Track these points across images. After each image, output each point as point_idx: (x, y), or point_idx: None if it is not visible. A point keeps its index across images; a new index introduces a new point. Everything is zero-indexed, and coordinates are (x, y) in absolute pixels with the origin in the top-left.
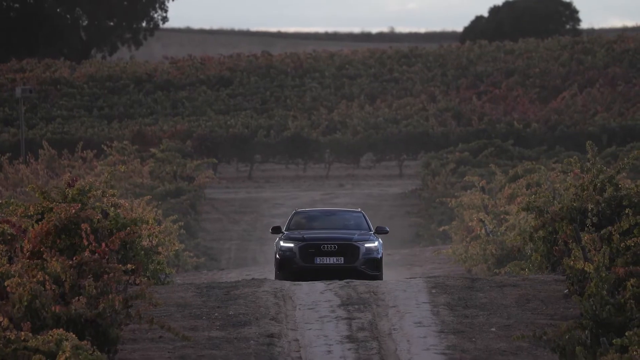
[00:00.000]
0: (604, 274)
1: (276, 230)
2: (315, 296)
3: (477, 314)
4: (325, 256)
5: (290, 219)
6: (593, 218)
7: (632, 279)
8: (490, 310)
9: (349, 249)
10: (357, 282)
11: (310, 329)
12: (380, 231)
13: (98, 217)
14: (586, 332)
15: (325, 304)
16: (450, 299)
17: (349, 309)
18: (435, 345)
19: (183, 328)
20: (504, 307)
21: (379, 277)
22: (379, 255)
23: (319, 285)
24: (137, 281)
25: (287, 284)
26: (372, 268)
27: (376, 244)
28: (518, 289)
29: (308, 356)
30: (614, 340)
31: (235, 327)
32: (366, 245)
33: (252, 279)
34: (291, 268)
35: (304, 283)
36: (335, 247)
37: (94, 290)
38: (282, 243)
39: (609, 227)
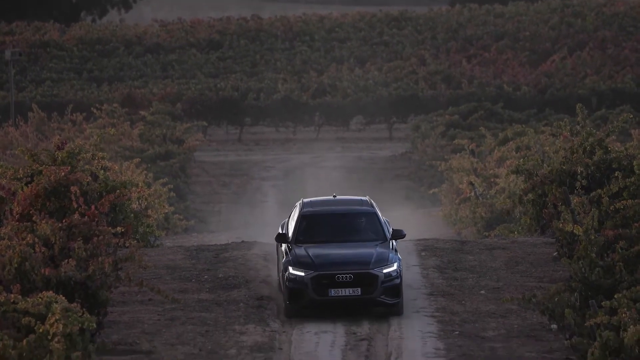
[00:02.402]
0: (593, 237)
1: (281, 238)
2: None
3: (467, 277)
4: (340, 287)
5: (296, 225)
6: (582, 181)
7: (621, 242)
8: (480, 272)
9: (366, 279)
10: None
11: None
12: (397, 236)
13: (87, 180)
14: (575, 294)
15: None
16: (440, 262)
17: None
18: (425, 307)
19: (172, 290)
20: (493, 269)
21: (399, 304)
22: (399, 280)
23: None
24: (127, 244)
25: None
26: (391, 296)
27: (395, 266)
28: (507, 252)
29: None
30: (603, 303)
31: (224, 290)
32: (385, 271)
33: (242, 241)
34: (303, 301)
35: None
36: (351, 277)
37: (84, 253)
38: (291, 269)
39: (599, 190)
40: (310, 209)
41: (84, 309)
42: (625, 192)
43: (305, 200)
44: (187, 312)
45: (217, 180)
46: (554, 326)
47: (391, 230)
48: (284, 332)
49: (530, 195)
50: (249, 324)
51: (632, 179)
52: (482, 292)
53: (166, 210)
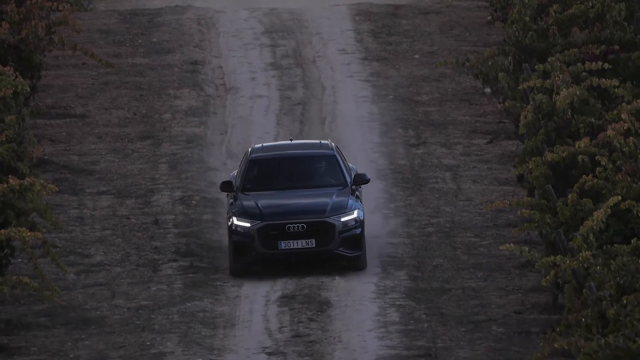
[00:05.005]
0: (527, 0)
1: (226, 186)
2: (239, 23)
3: (401, 41)
4: (292, 239)
5: (244, 171)
6: None
7: (555, 5)
8: (414, 37)
9: (321, 228)
10: (280, 9)
11: (234, 56)
12: (359, 181)
13: None
14: (509, 58)
15: (249, 32)
16: (374, 26)
17: (272, 36)
18: (359, 72)
19: (106, 55)
20: (428, 34)
21: (360, 257)
22: (359, 230)
23: (243, 12)
24: (60, 7)
25: (210, 11)
26: (351, 248)
27: (355, 214)
28: (442, 16)
29: (232, 83)
30: (536, 66)
31: (159, 54)
32: (343, 219)
33: (176, 6)
34: (249, 256)
35: (227, 9)
36: (303, 227)
37: (17, 16)
38: (235, 221)
39: None
40: (261, 154)
41: (18, 73)
42: None
43: (257, 145)
44: (121, 76)
45: None
46: (488, 90)
47: (353, 174)
48: (218, 96)
49: None
50: (183, 88)
51: None
52: (416, 56)
53: None
